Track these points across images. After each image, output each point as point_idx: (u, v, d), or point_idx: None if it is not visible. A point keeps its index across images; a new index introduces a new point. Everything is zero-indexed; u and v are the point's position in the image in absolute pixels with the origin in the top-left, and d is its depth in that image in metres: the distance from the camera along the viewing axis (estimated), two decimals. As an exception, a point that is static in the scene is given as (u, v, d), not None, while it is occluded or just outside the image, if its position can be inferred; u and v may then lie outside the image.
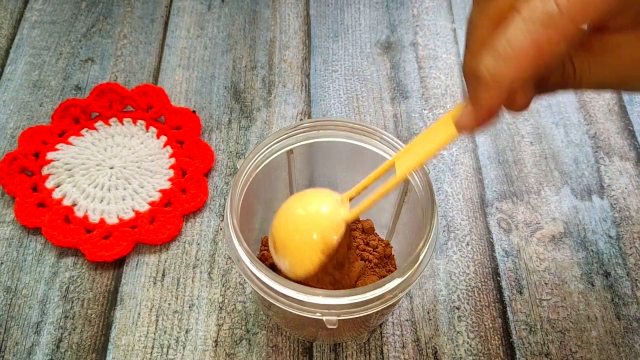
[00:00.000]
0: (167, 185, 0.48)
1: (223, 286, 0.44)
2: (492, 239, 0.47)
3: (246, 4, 0.61)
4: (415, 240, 0.37)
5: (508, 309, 0.44)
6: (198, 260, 0.45)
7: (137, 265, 0.45)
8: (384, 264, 0.41)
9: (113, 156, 0.50)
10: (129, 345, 0.42)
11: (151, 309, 0.43)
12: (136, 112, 0.52)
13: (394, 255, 0.42)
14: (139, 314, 0.43)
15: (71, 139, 0.51)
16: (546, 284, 0.45)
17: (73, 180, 0.48)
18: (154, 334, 0.42)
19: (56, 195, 0.48)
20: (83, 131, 0.51)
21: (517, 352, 0.42)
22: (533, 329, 0.43)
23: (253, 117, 0.53)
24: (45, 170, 0.49)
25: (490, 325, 0.43)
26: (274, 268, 0.39)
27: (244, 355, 0.41)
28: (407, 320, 0.43)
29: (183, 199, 0.48)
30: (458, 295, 0.44)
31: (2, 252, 0.45)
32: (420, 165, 0.33)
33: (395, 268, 0.42)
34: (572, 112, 0.54)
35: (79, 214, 0.47)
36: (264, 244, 0.43)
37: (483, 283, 0.45)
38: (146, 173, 0.49)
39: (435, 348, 0.42)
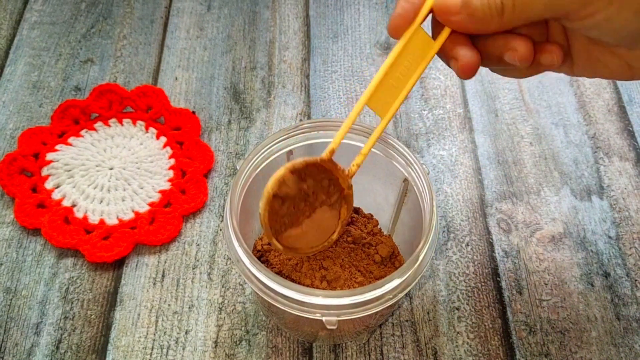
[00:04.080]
0: (166, 186, 0.48)
1: (223, 287, 0.44)
2: (491, 239, 0.47)
3: (246, 5, 0.61)
4: (415, 241, 0.37)
5: (508, 309, 0.44)
6: (198, 261, 0.45)
7: (136, 266, 0.45)
8: (389, 262, 0.41)
9: (113, 157, 0.50)
10: (128, 346, 0.41)
11: (151, 310, 0.43)
12: (136, 113, 0.52)
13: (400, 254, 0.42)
14: (139, 314, 0.43)
15: (71, 139, 0.51)
16: (546, 284, 0.45)
17: (73, 181, 0.48)
18: (154, 334, 0.42)
19: (56, 196, 0.47)
20: (83, 132, 0.51)
21: (517, 352, 0.42)
22: (533, 330, 0.43)
23: (253, 117, 0.53)
24: (44, 171, 0.49)
25: (490, 325, 0.43)
26: (272, 267, 0.40)
27: (243, 356, 0.41)
28: (406, 321, 0.43)
29: (183, 200, 0.48)
30: (458, 296, 0.44)
31: (1, 253, 0.45)
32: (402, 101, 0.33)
33: (400, 264, 0.41)
34: (571, 113, 0.54)
35: (79, 214, 0.47)
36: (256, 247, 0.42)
37: (483, 283, 0.45)
38: (146, 174, 0.49)
39: (435, 348, 0.42)
